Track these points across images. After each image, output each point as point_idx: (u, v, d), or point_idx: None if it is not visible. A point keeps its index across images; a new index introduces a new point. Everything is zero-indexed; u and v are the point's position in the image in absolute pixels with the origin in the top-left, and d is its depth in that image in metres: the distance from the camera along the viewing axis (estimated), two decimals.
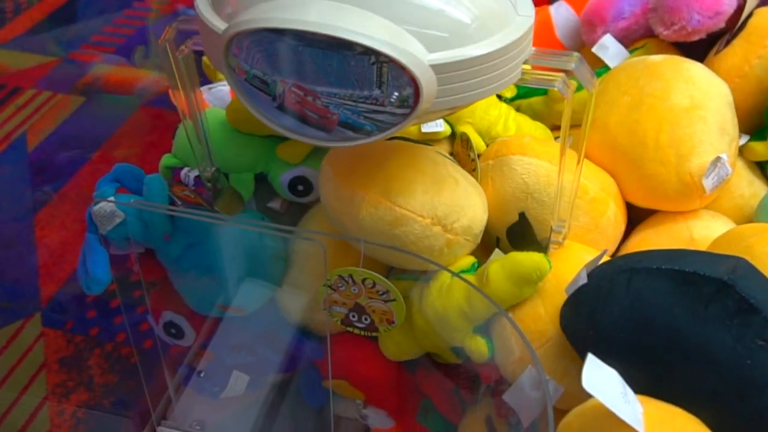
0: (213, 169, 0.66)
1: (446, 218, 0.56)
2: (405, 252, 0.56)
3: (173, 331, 0.69)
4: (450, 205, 0.56)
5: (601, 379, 0.41)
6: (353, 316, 0.60)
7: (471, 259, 0.60)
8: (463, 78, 0.45)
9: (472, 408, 0.65)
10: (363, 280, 0.57)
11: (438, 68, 0.44)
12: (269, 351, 0.71)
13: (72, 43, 1.58)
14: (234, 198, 0.69)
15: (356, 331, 0.61)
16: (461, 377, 0.64)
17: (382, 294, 0.58)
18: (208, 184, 0.67)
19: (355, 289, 0.58)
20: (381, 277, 0.56)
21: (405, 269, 0.63)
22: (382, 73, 0.43)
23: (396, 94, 0.44)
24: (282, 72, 0.45)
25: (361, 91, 0.44)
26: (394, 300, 0.58)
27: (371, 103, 0.45)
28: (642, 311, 0.46)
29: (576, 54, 0.49)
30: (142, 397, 0.73)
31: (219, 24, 0.47)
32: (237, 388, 0.71)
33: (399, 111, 0.45)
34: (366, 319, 0.60)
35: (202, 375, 0.73)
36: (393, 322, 0.60)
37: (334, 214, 0.59)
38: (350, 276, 0.57)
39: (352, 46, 0.42)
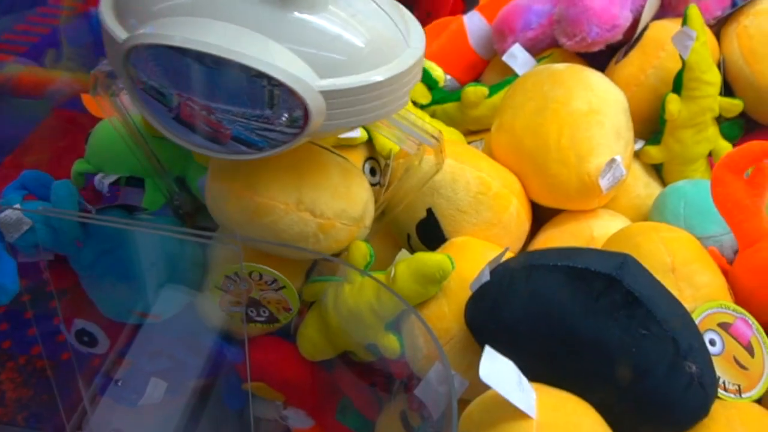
0: (181, 196, 0.68)
1: (313, 203, 0.56)
2: (276, 244, 0.57)
3: (86, 339, 0.68)
4: (315, 189, 0.56)
5: (497, 370, 0.43)
6: (252, 312, 0.62)
7: (363, 246, 0.59)
8: (351, 104, 0.48)
9: (388, 404, 0.67)
10: (249, 274, 0.58)
11: (327, 94, 0.46)
12: (188, 356, 0.71)
13: None
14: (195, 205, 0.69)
15: (260, 325, 0.63)
16: (376, 374, 0.66)
17: (271, 283, 0.59)
18: (180, 212, 0.68)
19: (244, 285, 0.59)
20: (265, 267, 0.58)
21: (321, 272, 0.64)
22: (273, 96, 0.46)
23: (286, 115, 0.46)
24: (178, 86, 0.47)
25: (253, 110, 0.47)
26: (284, 287, 0.59)
27: (263, 122, 0.47)
28: (539, 305, 0.49)
29: (438, 134, 0.55)
30: (56, 410, 0.72)
31: (120, 33, 0.48)
32: (155, 396, 0.70)
33: (289, 130, 0.47)
34: (264, 312, 0.62)
35: (119, 383, 0.73)
36: (290, 309, 0.61)
37: (213, 214, 0.60)
38: (235, 274, 0.58)
39: (246, 68, 0.44)
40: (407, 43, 0.51)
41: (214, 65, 0.45)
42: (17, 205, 0.58)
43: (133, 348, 0.71)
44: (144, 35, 0.45)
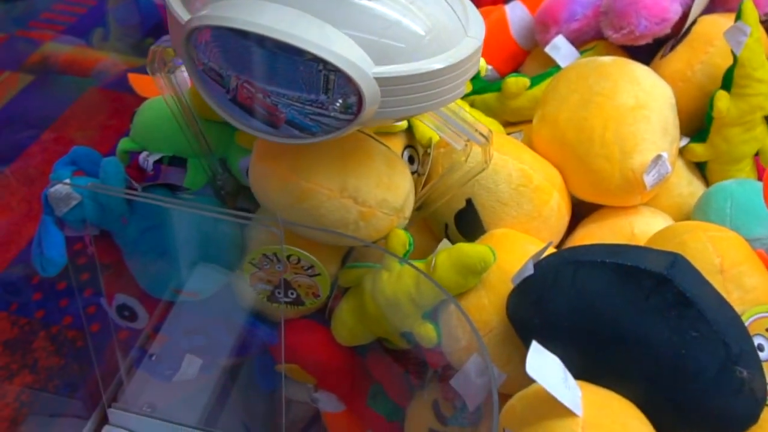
0: (224, 176, 0.68)
1: (357, 191, 0.56)
2: (316, 229, 0.57)
3: (126, 313, 0.70)
4: (359, 176, 0.56)
5: (543, 366, 0.43)
6: (279, 293, 0.63)
7: (403, 234, 0.59)
8: (407, 92, 0.48)
9: (420, 392, 0.67)
10: (288, 257, 0.59)
11: (383, 81, 0.46)
12: (223, 335, 0.71)
13: (20, 20, 1.53)
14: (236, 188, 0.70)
15: (282, 306, 0.63)
16: (410, 362, 0.66)
17: (308, 269, 0.60)
18: (222, 192, 0.68)
19: (279, 267, 0.60)
20: (305, 253, 0.58)
21: (357, 258, 0.64)
22: (328, 81, 0.46)
23: (340, 101, 0.46)
24: (235, 68, 0.48)
25: (308, 95, 0.47)
26: (319, 274, 0.60)
27: (317, 107, 0.47)
28: (585, 301, 0.49)
29: (488, 133, 0.55)
30: (89, 380, 0.73)
31: (183, 14, 0.48)
32: (190, 372, 0.71)
33: (343, 117, 0.47)
34: (292, 294, 0.62)
35: (153, 358, 0.74)
36: (318, 296, 0.62)
37: (255, 194, 0.60)
38: (274, 254, 0.59)
39: (303, 52, 0.44)
40: (466, 32, 0.50)
41: (271, 48, 0.45)
42: (67, 180, 0.59)
43: (169, 324, 0.72)
44: (206, 17, 0.46)
